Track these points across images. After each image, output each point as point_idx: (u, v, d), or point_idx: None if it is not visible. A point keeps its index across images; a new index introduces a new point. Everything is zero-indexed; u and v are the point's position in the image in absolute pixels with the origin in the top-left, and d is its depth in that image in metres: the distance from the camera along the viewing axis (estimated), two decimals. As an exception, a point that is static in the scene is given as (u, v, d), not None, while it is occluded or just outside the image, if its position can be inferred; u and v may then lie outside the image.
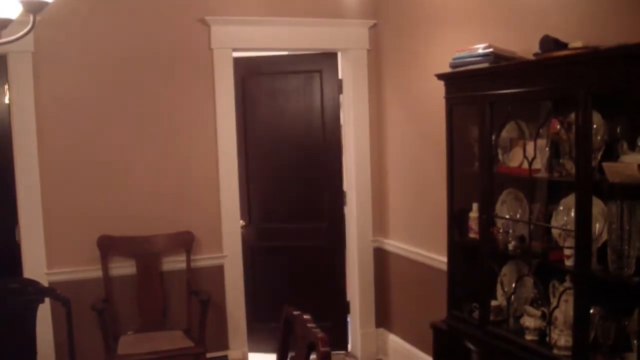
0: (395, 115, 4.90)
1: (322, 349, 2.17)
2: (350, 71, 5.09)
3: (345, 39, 5.04)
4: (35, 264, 4.32)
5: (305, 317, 2.38)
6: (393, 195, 5.00)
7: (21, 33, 1.89)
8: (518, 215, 3.31)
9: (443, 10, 4.19)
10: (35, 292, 3.50)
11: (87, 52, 4.39)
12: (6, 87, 4.33)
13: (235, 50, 4.77)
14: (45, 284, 3.97)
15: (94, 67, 4.42)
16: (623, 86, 2.56)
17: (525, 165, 3.06)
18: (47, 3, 1.80)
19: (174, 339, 4.35)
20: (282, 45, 4.99)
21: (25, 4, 1.82)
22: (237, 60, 4.88)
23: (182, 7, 4.57)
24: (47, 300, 3.65)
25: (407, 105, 4.72)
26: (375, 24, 5.05)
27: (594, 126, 2.71)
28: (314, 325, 2.30)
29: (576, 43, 2.88)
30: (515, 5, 3.54)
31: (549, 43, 2.97)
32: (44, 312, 4.05)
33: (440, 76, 3.65)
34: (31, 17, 1.85)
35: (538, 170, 3.06)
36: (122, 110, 4.49)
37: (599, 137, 2.73)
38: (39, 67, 4.27)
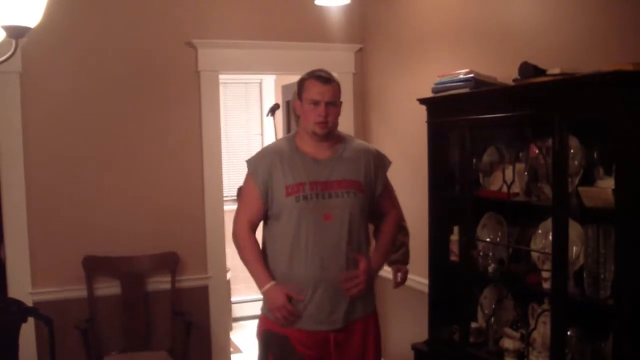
0: (380, 138, 4.93)
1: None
2: (336, 94, 5.10)
3: (332, 62, 5.05)
4: (20, 284, 4.30)
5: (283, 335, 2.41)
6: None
7: (3, 57, 1.92)
8: (498, 239, 3.34)
9: (428, 35, 4.25)
10: (18, 311, 3.50)
11: (75, 73, 4.42)
12: (-7, 107, 4.35)
13: (222, 72, 4.81)
14: (30, 304, 3.96)
15: (81, 88, 4.44)
16: (598, 113, 2.61)
17: (505, 189, 3.11)
18: (28, 28, 1.83)
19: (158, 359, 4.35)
20: (268, 68, 5.02)
21: (7, 29, 1.84)
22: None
23: (169, 30, 4.61)
24: (31, 320, 3.64)
25: (391, 128, 4.77)
26: (361, 48, 5.11)
27: (571, 151, 2.76)
28: (291, 345, 2.32)
29: (554, 70, 2.92)
30: (498, 32, 3.60)
31: (528, 69, 3.02)
32: (28, 332, 4.03)
33: (422, 101, 3.69)
34: (13, 42, 1.88)
35: (517, 194, 3.09)
36: (108, 131, 4.51)
37: (576, 162, 2.77)
38: (26, 88, 4.30)
